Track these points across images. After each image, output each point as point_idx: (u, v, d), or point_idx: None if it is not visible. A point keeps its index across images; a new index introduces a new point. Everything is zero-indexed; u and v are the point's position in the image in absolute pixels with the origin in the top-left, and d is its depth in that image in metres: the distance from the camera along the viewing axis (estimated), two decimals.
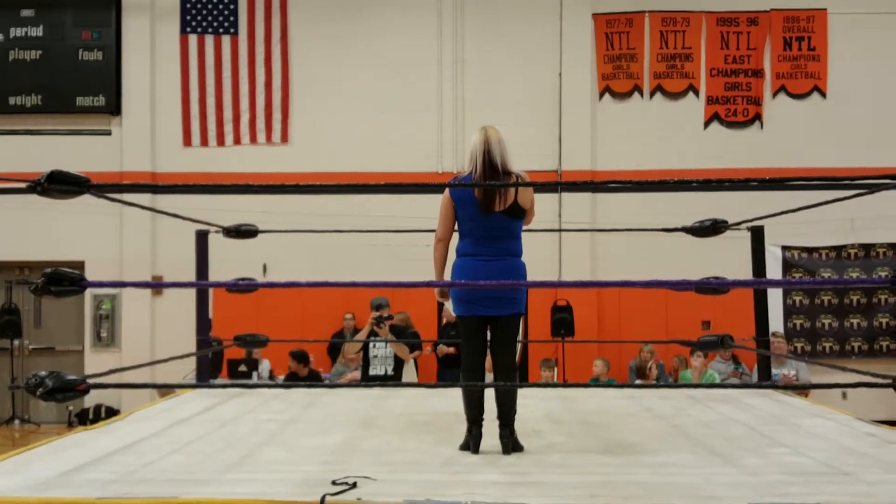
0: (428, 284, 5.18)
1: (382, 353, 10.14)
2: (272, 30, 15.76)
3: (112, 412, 14.67)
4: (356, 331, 13.22)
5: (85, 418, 15.03)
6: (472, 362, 5.73)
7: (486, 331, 5.73)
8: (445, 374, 13.12)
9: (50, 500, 4.21)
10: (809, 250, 15.27)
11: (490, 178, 5.52)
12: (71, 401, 5.50)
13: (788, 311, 15.20)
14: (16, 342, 15.91)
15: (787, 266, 15.23)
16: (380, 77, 15.73)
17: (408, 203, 13.90)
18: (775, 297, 14.72)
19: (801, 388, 8.35)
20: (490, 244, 5.59)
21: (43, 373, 4.50)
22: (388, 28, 15.81)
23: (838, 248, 15.27)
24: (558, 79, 15.55)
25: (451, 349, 13.03)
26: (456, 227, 5.74)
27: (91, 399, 15.25)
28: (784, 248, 15.16)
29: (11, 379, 15.34)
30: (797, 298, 15.25)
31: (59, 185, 4.65)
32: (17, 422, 15.72)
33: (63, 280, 4.63)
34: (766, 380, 8.79)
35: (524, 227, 5.79)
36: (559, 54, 15.58)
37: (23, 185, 4.70)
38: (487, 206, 5.53)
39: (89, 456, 5.30)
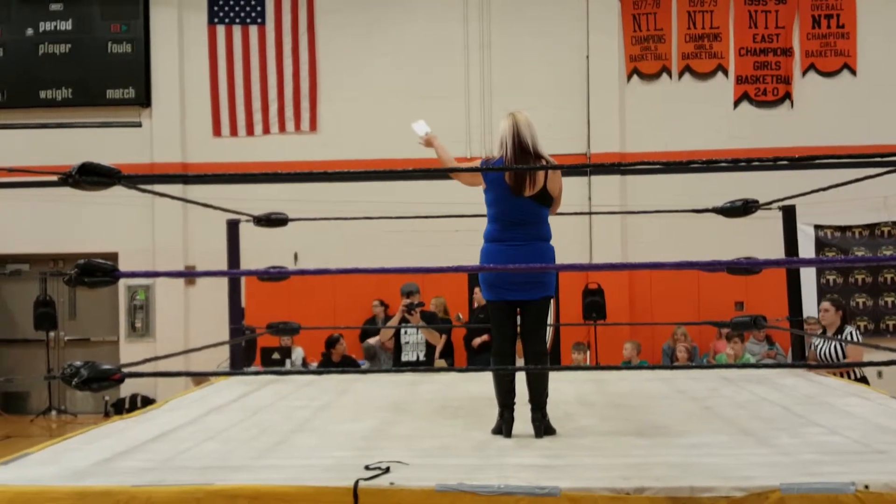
0: (457, 269, 5.17)
1: (414, 340, 10.19)
2: (299, 19, 15.78)
3: (148, 401, 14.77)
4: (387, 317, 13.25)
5: (121, 408, 15.15)
6: (503, 347, 5.73)
7: (515, 315, 5.72)
8: (476, 359, 13.08)
9: (86, 488, 4.23)
10: (842, 229, 15.16)
11: (521, 161, 5.49)
12: (106, 390, 5.53)
13: (822, 291, 15.06)
14: (51, 334, 16.06)
15: (820, 245, 15.13)
16: (406, 63, 15.73)
17: (436, 189, 13.91)
18: (809, 277, 14.62)
19: (835, 367, 8.29)
20: (518, 229, 5.56)
21: (78, 363, 4.51)
22: (414, 14, 15.80)
23: (871, 227, 15.14)
24: (585, 61, 15.49)
25: (485, 337, 12.81)
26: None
27: (127, 389, 15.39)
28: (817, 227, 15.05)
29: (48, 370, 15.48)
30: (831, 278, 15.15)
31: (91, 176, 4.67)
32: (53, 413, 15.90)
33: (96, 271, 4.64)
34: (800, 360, 8.75)
35: (552, 214, 5.77)
36: (586, 36, 15.51)
37: (55, 178, 4.73)
38: (518, 189, 5.51)
39: (125, 445, 5.34)
